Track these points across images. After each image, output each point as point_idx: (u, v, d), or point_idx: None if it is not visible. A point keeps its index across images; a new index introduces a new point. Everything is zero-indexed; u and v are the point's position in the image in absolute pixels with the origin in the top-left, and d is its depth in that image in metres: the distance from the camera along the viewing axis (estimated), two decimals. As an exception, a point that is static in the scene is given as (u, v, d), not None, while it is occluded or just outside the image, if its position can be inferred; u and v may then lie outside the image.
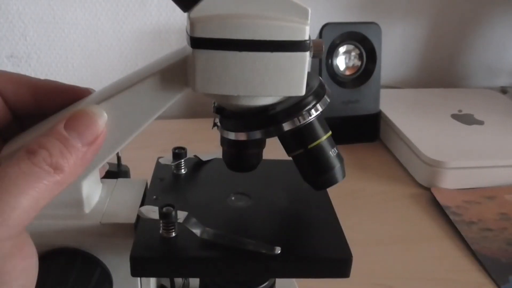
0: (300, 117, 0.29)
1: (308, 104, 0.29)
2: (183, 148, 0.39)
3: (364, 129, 0.78)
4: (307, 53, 0.27)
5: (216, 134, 0.33)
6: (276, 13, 0.26)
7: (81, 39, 0.85)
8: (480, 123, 0.77)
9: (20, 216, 0.24)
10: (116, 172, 0.53)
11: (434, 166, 0.65)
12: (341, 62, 0.75)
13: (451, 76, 1.02)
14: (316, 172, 0.30)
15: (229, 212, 0.35)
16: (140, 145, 0.62)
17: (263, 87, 0.28)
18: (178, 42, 0.88)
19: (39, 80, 0.34)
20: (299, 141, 0.30)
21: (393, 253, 0.54)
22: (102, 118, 0.29)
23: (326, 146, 0.30)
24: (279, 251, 0.29)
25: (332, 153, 0.30)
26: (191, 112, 0.92)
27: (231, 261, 0.30)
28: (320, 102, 0.29)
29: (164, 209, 0.30)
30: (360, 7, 0.92)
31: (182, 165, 0.39)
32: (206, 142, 0.50)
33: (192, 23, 0.26)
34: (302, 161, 0.31)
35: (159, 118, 0.31)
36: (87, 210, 0.33)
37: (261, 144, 0.34)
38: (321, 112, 0.29)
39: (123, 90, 0.30)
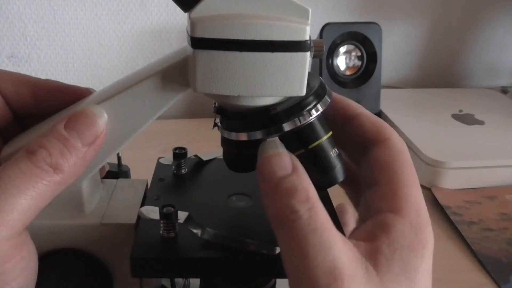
0: (300, 117, 0.29)
1: (309, 104, 0.29)
2: (183, 148, 0.39)
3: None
4: (308, 53, 0.27)
5: (216, 134, 0.33)
6: (276, 13, 0.26)
7: (81, 39, 0.85)
8: (481, 123, 0.76)
9: (19, 216, 0.24)
10: (116, 172, 0.53)
11: (435, 166, 0.65)
12: (341, 62, 0.75)
13: (451, 76, 1.02)
14: (316, 172, 0.30)
15: (230, 213, 0.35)
16: (140, 145, 0.62)
17: (264, 87, 0.28)
18: (178, 42, 0.88)
19: (40, 80, 0.34)
20: (300, 141, 0.30)
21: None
22: (102, 118, 0.29)
23: (327, 146, 0.30)
24: (280, 251, 0.29)
25: (333, 153, 0.30)
26: (191, 112, 0.92)
27: (231, 261, 0.30)
28: (320, 102, 0.29)
29: (165, 210, 0.30)
30: (360, 7, 0.92)
31: (183, 165, 0.39)
32: (206, 142, 0.50)
33: (192, 23, 0.26)
34: (302, 161, 0.31)
35: (159, 118, 0.31)
36: (87, 210, 0.33)
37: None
38: (321, 112, 0.29)
39: (123, 90, 0.30)
